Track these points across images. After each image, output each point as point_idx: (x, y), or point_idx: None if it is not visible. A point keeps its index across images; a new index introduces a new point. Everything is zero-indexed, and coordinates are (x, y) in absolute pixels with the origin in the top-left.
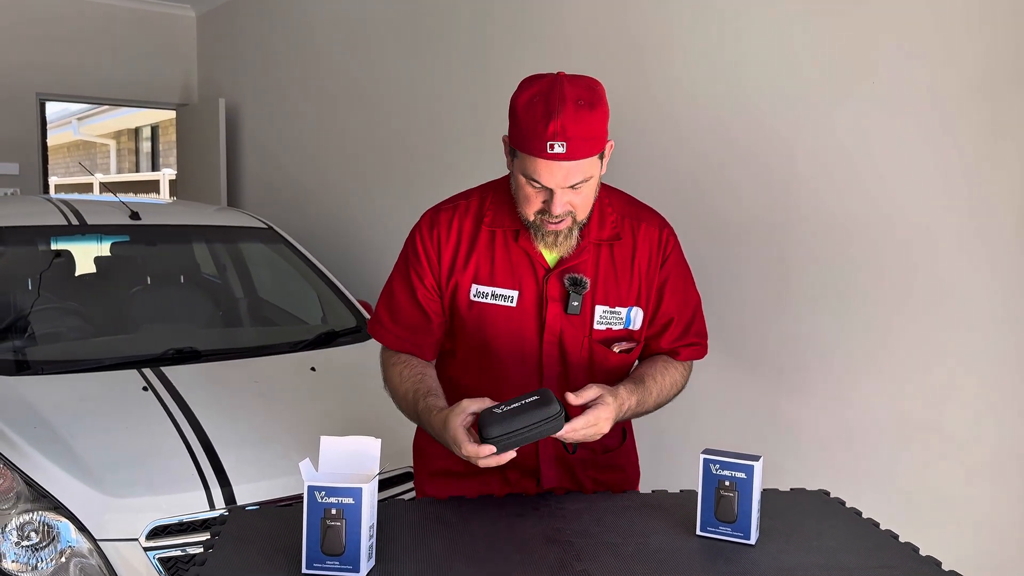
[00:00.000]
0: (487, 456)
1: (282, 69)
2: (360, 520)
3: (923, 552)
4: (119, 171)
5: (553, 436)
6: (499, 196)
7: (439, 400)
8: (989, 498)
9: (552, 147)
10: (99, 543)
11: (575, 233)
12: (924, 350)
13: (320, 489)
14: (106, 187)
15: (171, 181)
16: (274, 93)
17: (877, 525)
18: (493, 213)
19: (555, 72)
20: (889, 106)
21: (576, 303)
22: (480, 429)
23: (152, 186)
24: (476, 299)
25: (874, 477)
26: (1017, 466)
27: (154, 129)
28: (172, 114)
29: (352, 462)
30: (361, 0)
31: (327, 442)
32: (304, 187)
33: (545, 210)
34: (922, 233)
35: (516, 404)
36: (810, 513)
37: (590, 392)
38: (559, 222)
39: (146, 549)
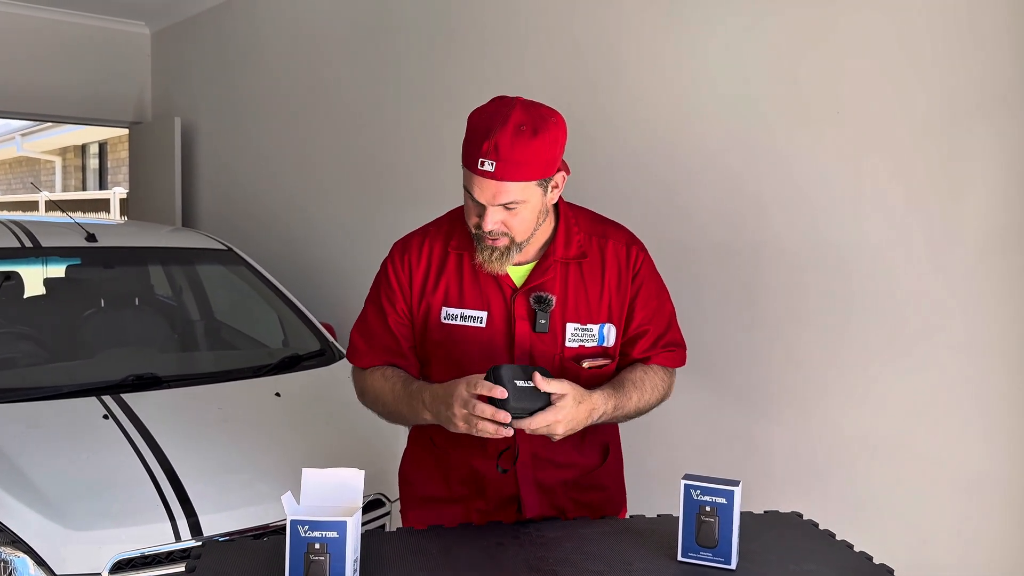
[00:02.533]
0: (499, 424)
1: (239, 87)
2: (344, 554)
3: (897, 573)
4: (64, 189)
5: (512, 424)
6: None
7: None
8: (954, 513)
9: (482, 164)
10: None
11: (512, 255)
12: (886, 371)
13: (303, 523)
14: (57, 206)
15: (122, 200)
16: (231, 111)
17: (851, 546)
18: (459, 236)
19: (517, 96)
20: (850, 136)
21: (543, 321)
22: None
23: (102, 205)
24: (446, 321)
25: (841, 496)
26: (980, 481)
27: (102, 146)
28: (121, 131)
29: (334, 494)
30: (320, 18)
31: (309, 474)
32: (262, 207)
33: (479, 225)
34: (884, 259)
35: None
36: (785, 536)
37: (557, 385)
38: (495, 239)
39: None
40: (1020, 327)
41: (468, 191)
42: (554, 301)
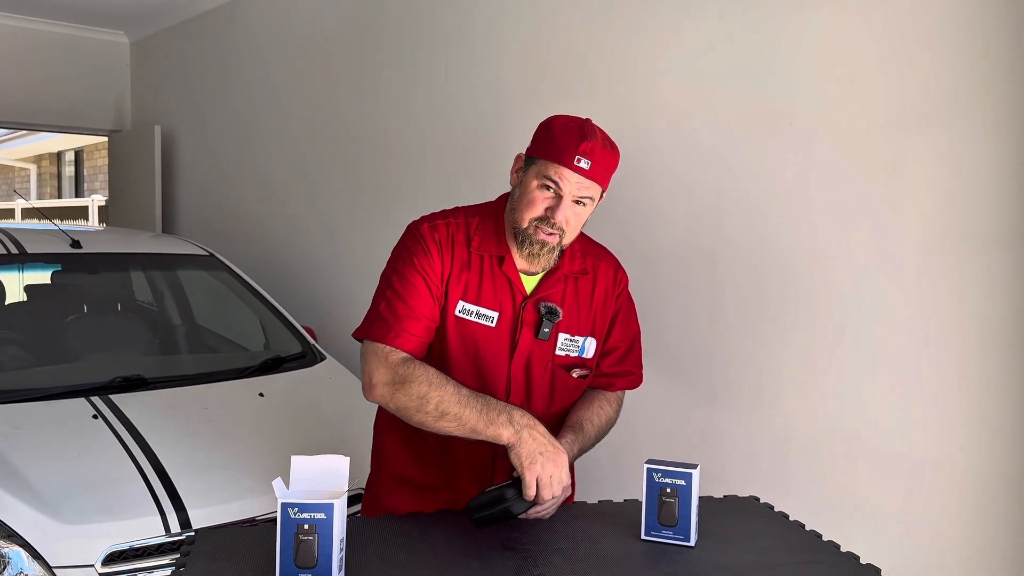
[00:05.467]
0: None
1: (219, 95)
2: (332, 534)
3: (843, 549)
4: (40, 196)
5: (529, 510)
6: (485, 224)
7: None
8: (903, 500)
9: (579, 160)
10: (54, 570)
11: (556, 254)
12: (841, 365)
13: (293, 505)
14: (42, 213)
15: (100, 207)
16: (210, 119)
17: (803, 526)
18: (480, 239)
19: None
20: (802, 145)
21: (547, 329)
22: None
23: (80, 212)
24: (460, 315)
25: (797, 483)
26: (929, 471)
27: (78, 153)
28: (96, 139)
29: (322, 479)
30: (298, 28)
31: (298, 461)
32: (241, 213)
33: (545, 217)
34: (833, 259)
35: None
36: (743, 517)
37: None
38: (551, 234)
39: (102, 575)
40: (958, 322)
41: (550, 180)
42: (561, 313)
